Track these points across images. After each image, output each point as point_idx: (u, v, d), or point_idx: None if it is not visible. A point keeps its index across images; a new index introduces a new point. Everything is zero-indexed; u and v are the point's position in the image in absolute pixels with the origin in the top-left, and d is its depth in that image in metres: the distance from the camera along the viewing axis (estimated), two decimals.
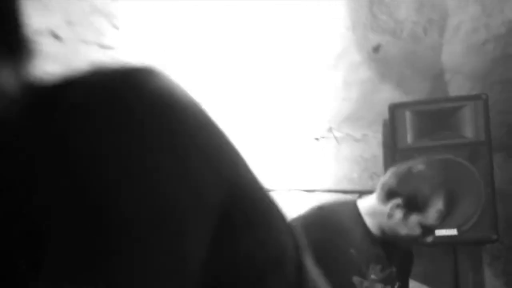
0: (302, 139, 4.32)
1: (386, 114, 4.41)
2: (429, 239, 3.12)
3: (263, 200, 0.86)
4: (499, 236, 4.36)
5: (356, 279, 3.00)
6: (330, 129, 4.37)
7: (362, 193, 4.33)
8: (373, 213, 3.09)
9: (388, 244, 3.16)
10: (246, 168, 0.84)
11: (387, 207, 3.02)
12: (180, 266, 0.72)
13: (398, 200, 3.00)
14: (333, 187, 4.45)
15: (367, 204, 3.12)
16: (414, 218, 3.02)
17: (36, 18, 3.32)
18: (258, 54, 4.00)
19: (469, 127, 4.29)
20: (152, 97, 0.71)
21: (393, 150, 4.41)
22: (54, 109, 0.71)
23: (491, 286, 5.08)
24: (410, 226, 3.03)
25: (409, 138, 4.30)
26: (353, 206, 3.16)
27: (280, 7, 3.93)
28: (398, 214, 3.01)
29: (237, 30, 3.93)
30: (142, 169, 0.69)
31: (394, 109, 4.32)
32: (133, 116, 0.69)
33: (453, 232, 4.18)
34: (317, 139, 4.39)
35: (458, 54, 4.55)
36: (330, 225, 3.08)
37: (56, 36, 3.60)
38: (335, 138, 4.43)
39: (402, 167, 3.24)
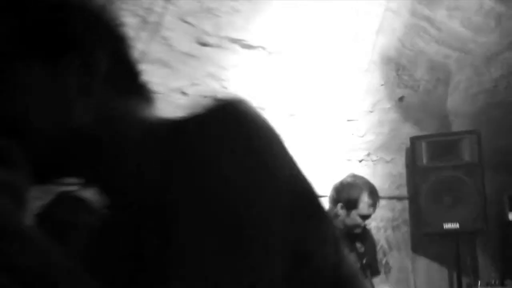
0: (351, 161, 4.70)
1: (408, 144, 4.85)
2: (365, 223, 3.63)
3: (316, 198, 0.86)
4: (488, 229, 4.86)
5: None
6: (368, 154, 4.78)
7: (391, 198, 4.99)
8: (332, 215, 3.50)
9: (348, 234, 3.55)
10: (303, 176, 0.83)
11: (335, 211, 3.54)
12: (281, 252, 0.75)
13: (340, 204, 3.56)
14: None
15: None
16: (354, 213, 3.52)
17: (171, 81, 3.73)
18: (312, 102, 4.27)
19: (467, 153, 4.71)
20: (249, 123, 0.76)
21: (413, 169, 4.88)
22: (189, 138, 0.77)
23: (483, 266, 5.50)
24: (353, 218, 3.53)
25: (424, 160, 4.72)
26: None
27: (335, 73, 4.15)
28: (343, 213, 3.53)
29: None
30: (258, 178, 0.74)
31: (414, 140, 4.75)
32: (241, 138, 0.75)
33: (456, 226, 4.61)
34: (360, 161, 4.76)
35: (458, 102, 4.89)
36: None
37: (183, 93, 3.84)
38: (372, 160, 4.82)
39: (337, 182, 3.77)
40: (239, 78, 3.98)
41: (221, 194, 0.72)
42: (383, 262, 4.80)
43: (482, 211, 4.68)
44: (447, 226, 4.67)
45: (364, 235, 3.69)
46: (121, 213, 0.88)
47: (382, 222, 4.89)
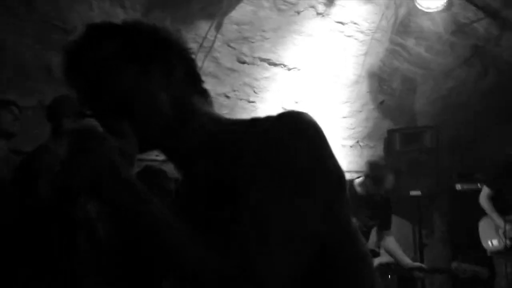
0: (345, 147, 4.64)
1: (386, 134, 4.77)
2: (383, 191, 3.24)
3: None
4: (442, 195, 4.96)
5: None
6: (357, 142, 4.72)
7: None
8: (361, 184, 3.25)
9: (371, 199, 3.25)
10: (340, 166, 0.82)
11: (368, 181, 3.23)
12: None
13: (369, 178, 3.22)
14: (359, 169, 4.48)
15: (358, 179, 3.33)
16: (379, 186, 3.20)
17: (218, 88, 3.70)
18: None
19: (428, 141, 4.66)
20: (307, 131, 0.75)
21: (389, 152, 4.80)
22: (267, 135, 0.75)
23: (437, 222, 5.50)
24: (379, 190, 3.21)
25: (398, 146, 4.66)
26: (351, 182, 3.30)
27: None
28: (370, 184, 3.19)
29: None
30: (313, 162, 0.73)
31: (390, 132, 4.72)
32: (302, 140, 0.74)
33: (419, 193, 4.57)
34: (351, 146, 4.70)
35: (422, 105, 4.83)
36: None
37: (227, 96, 3.82)
38: (360, 146, 4.76)
39: (371, 162, 3.45)
40: (267, 86, 3.93)
41: (287, 171, 0.72)
42: None
43: (438, 183, 4.69)
44: (413, 193, 4.63)
45: (383, 202, 3.37)
46: (192, 182, 0.88)
47: None
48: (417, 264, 3.09)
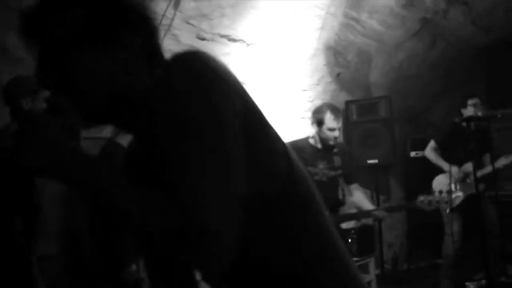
0: (304, 119, 4.50)
1: (343, 106, 4.80)
2: (336, 135, 3.24)
3: (262, 114, 0.82)
4: (397, 163, 5.08)
5: (310, 169, 3.18)
6: None
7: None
8: (312, 136, 3.34)
9: (327, 150, 3.28)
10: (254, 102, 0.81)
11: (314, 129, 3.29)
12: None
13: (313, 124, 3.27)
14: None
15: (310, 135, 3.37)
16: (324, 128, 3.22)
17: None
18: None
19: (382, 110, 4.80)
20: (197, 67, 0.73)
21: (347, 123, 4.80)
22: (165, 82, 0.75)
23: (393, 187, 5.68)
24: (323, 132, 3.23)
25: (354, 117, 4.80)
26: (306, 138, 3.39)
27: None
28: (317, 129, 3.26)
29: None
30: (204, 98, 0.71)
31: (347, 103, 4.82)
32: (192, 79, 0.72)
33: (376, 161, 4.74)
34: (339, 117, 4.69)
35: (376, 76, 4.96)
36: (293, 144, 3.03)
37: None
38: None
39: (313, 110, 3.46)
40: (228, 62, 3.91)
41: (191, 117, 0.72)
42: None
43: (393, 151, 4.81)
44: (370, 161, 4.78)
45: (341, 150, 3.38)
46: (140, 144, 0.90)
47: None
48: (377, 207, 3.24)
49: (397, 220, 5.74)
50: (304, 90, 4.47)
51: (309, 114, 3.44)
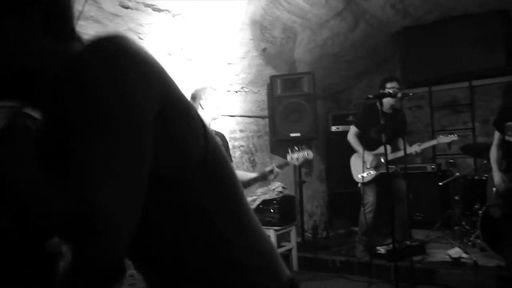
0: (230, 92, 4.73)
1: (268, 80, 4.97)
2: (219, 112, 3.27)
3: (184, 99, 0.80)
4: (319, 136, 5.18)
5: None
6: (242, 87, 4.85)
7: (257, 117, 5.21)
8: None
9: None
10: (175, 86, 0.78)
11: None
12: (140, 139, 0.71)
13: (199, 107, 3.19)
14: (243, 114, 4.90)
15: None
16: (208, 107, 3.20)
17: (99, 31, 3.86)
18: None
19: (306, 86, 4.90)
20: (112, 53, 0.70)
21: (271, 97, 5.01)
22: (75, 66, 0.70)
23: (315, 161, 5.81)
24: (209, 111, 3.19)
25: (279, 91, 4.88)
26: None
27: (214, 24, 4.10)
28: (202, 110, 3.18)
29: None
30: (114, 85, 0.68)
31: (272, 78, 4.91)
32: (105, 63, 0.69)
33: (298, 134, 4.84)
34: (236, 92, 4.81)
35: (301, 53, 5.03)
36: None
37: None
38: (245, 91, 4.89)
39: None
40: (152, 32, 3.81)
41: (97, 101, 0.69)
42: (251, 159, 4.98)
43: (315, 125, 4.92)
44: (292, 134, 4.88)
45: (219, 134, 3.47)
46: (48, 120, 0.83)
47: (251, 133, 5.01)
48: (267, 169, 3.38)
49: (318, 191, 6.01)
50: (230, 64, 4.45)
51: (236, 87, 3.48)
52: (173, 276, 0.85)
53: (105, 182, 0.67)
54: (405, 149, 4.02)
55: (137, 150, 0.71)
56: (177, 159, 0.78)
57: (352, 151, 4.49)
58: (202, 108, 3.31)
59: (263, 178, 3.42)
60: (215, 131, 3.49)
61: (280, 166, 3.56)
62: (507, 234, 2.99)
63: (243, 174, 3.56)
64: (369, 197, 4.31)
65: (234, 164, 4.65)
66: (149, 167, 0.73)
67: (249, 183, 3.44)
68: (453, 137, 4.19)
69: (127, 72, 0.70)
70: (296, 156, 3.44)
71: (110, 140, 0.68)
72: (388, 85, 4.19)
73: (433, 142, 4.29)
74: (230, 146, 4.61)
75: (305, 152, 3.45)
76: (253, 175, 3.48)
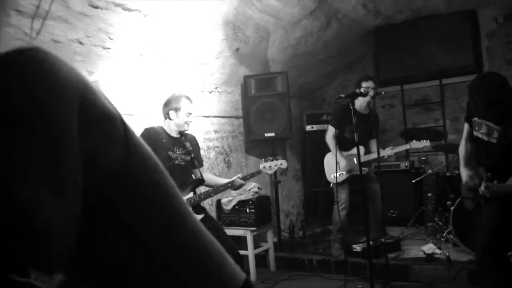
0: (204, 92, 4.69)
1: (242, 80, 4.94)
2: (192, 117, 3.38)
3: (101, 101, 0.77)
4: (293, 136, 5.19)
5: (170, 153, 3.33)
6: (216, 87, 4.81)
7: (231, 117, 5.21)
8: (169, 125, 3.38)
9: (180, 137, 3.40)
10: (94, 93, 0.77)
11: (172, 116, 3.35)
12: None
13: (171, 111, 3.35)
14: (218, 114, 4.85)
15: (165, 125, 3.42)
16: (181, 113, 3.34)
17: (70, 33, 3.38)
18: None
19: (280, 86, 4.90)
20: (26, 67, 0.68)
21: (245, 97, 4.97)
22: None
23: (290, 160, 5.80)
24: (181, 118, 3.33)
25: (253, 91, 4.85)
26: (160, 126, 3.42)
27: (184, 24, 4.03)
28: (175, 115, 3.34)
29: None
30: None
31: (246, 78, 4.88)
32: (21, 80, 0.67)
33: (273, 134, 4.85)
34: (210, 92, 4.77)
35: (274, 52, 5.03)
36: (152, 130, 3.34)
37: (80, 43, 3.53)
38: (219, 92, 4.86)
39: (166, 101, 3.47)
40: (123, 32, 3.74)
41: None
42: (226, 159, 4.96)
43: (289, 124, 4.92)
44: (267, 134, 4.89)
45: (192, 139, 3.55)
46: None
47: (225, 133, 4.99)
48: (236, 176, 3.47)
49: (294, 191, 6.02)
50: (203, 64, 4.41)
51: (167, 101, 3.49)
52: None
53: (36, 186, 0.65)
54: (378, 151, 4.09)
55: (62, 154, 0.69)
56: (94, 169, 0.74)
57: (326, 148, 4.50)
58: (170, 118, 3.39)
59: (231, 187, 3.47)
60: (186, 135, 3.50)
61: (252, 175, 3.61)
62: (476, 226, 3.06)
63: (211, 178, 3.60)
64: (342, 195, 4.33)
65: (208, 165, 4.63)
66: (77, 170, 0.71)
67: (218, 189, 3.47)
68: (426, 143, 4.25)
69: (42, 84, 0.69)
70: (269, 165, 3.51)
71: (34, 147, 0.66)
72: (364, 84, 4.21)
73: (406, 146, 4.34)
74: (205, 147, 4.61)
75: (279, 162, 3.53)
76: (222, 181, 3.52)
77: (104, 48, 3.80)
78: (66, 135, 0.70)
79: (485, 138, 2.90)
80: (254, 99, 4.82)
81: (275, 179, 5.17)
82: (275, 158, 3.63)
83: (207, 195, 3.42)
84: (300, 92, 5.94)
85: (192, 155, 3.46)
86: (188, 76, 4.36)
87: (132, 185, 0.80)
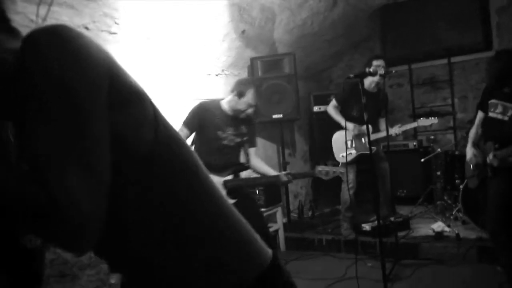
0: (210, 75, 4.64)
1: (249, 62, 4.88)
2: (252, 110, 3.29)
3: (130, 81, 0.79)
4: (301, 117, 5.17)
5: (219, 133, 3.23)
6: (222, 70, 4.75)
7: None
8: (228, 102, 3.30)
9: (236, 117, 3.28)
10: (124, 73, 0.78)
11: (232, 97, 3.28)
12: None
13: (234, 93, 3.29)
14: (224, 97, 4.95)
15: (225, 99, 3.35)
16: (242, 100, 3.24)
17: (76, 19, 3.40)
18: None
19: (287, 67, 4.86)
20: (56, 42, 0.70)
21: (253, 79, 4.67)
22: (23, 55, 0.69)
23: (298, 141, 5.85)
24: (241, 103, 3.23)
25: (260, 73, 4.81)
26: (218, 101, 3.36)
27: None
28: (235, 99, 3.25)
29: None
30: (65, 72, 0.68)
31: (253, 60, 4.83)
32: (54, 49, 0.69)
33: (280, 116, 4.82)
34: (216, 75, 4.72)
35: (280, 34, 4.97)
36: (205, 106, 3.28)
37: (86, 28, 3.49)
38: (225, 75, 4.79)
39: (239, 80, 3.51)
40: (129, 17, 3.70)
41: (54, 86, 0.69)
42: None
43: (297, 106, 4.91)
44: (275, 116, 4.87)
45: (249, 120, 3.40)
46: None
47: None
48: (284, 172, 3.32)
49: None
50: (209, 47, 4.36)
51: (236, 82, 3.43)
52: (139, 277, 0.85)
53: (65, 169, 0.67)
54: (387, 129, 4.09)
55: (90, 132, 0.70)
56: (113, 151, 0.75)
57: (334, 129, 4.48)
58: (232, 98, 3.27)
59: (276, 182, 3.30)
60: (244, 115, 3.35)
61: (302, 175, 3.40)
62: (484, 203, 3.10)
63: (259, 164, 3.42)
64: (350, 174, 4.33)
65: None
66: (107, 150, 0.73)
67: (259, 181, 3.38)
68: (434, 120, 4.24)
69: (66, 61, 0.70)
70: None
71: (61, 126, 0.68)
72: (375, 62, 4.18)
73: (414, 124, 4.32)
74: None
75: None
76: (268, 170, 3.37)
77: (111, 33, 3.77)
78: (92, 111, 0.71)
79: (500, 117, 2.95)
80: (261, 81, 4.79)
81: (283, 160, 5.19)
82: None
83: (246, 183, 3.34)
84: (307, 73, 5.90)
85: (244, 138, 3.36)
86: (194, 59, 4.32)
87: (163, 168, 0.82)
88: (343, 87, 4.48)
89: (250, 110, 3.31)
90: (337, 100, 4.44)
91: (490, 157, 2.88)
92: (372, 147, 3.87)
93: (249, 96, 3.26)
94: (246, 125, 3.38)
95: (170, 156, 0.84)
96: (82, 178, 0.68)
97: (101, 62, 0.75)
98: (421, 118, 4.30)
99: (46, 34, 0.71)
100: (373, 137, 4.23)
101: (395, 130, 4.24)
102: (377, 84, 4.27)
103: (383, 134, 4.24)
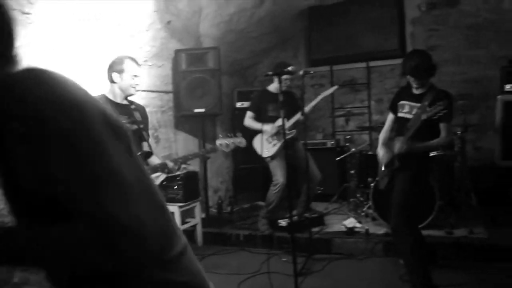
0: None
1: (173, 54, 4.85)
2: (139, 81, 3.15)
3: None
4: (223, 112, 5.22)
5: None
6: (146, 61, 4.63)
7: (161, 92, 5.10)
8: (111, 91, 3.15)
9: (128, 104, 3.17)
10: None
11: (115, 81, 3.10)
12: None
13: (114, 73, 3.09)
14: (147, 88, 4.68)
15: (106, 90, 3.17)
16: (126, 75, 3.12)
17: None
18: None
19: (211, 62, 4.86)
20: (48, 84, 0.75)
21: (176, 72, 4.91)
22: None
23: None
24: (126, 79, 3.12)
25: (184, 66, 4.79)
26: (102, 95, 3.16)
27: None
28: (119, 78, 3.12)
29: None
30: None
31: (177, 52, 4.80)
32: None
33: (203, 110, 4.83)
34: (139, 65, 4.74)
35: (206, 27, 4.99)
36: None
37: None
38: (148, 65, 4.68)
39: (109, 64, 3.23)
40: (47, 4, 3.55)
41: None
42: (155, 135, 4.89)
43: (220, 101, 4.94)
44: (197, 110, 4.87)
45: (139, 106, 3.30)
46: None
47: (154, 108, 4.89)
48: (170, 160, 3.24)
49: (223, 167, 6.08)
50: (133, 36, 4.29)
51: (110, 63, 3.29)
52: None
53: (113, 198, 0.75)
54: (303, 111, 4.19)
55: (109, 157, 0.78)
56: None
57: (253, 135, 4.57)
58: (114, 81, 3.14)
59: (163, 170, 3.24)
60: (134, 104, 3.28)
61: (207, 151, 3.45)
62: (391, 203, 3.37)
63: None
64: (279, 178, 4.43)
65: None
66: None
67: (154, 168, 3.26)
68: (334, 87, 4.47)
69: (71, 95, 0.78)
70: (226, 142, 3.30)
71: (80, 156, 0.74)
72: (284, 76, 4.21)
73: (319, 97, 4.36)
74: None
75: (238, 140, 3.33)
76: (155, 161, 3.30)
77: (23, 13, 3.55)
78: (106, 142, 0.80)
79: (408, 116, 3.21)
80: (184, 74, 4.77)
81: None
82: (234, 134, 3.43)
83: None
84: (232, 68, 5.95)
85: (141, 126, 3.25)
86: (117, 49, 4.18)
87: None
88: (251, 97, 4.68)
89: (137, 81, 3.18)
90: (251, 111, 4.57)
91: (397, 145, 3.13)
92: (292, 131, 4.04)
93: (129, 66, 3.15)
94: (140, 114, 3.28)
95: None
96: (124, 199, 0.76)
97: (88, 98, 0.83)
98: (325, 91, 4.44)
99: (46, 76, 0.78)
100: (290, 122, 4.38)
101: (307, 109, 4.32)
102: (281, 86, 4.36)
103: (298, 115, 4.37)
